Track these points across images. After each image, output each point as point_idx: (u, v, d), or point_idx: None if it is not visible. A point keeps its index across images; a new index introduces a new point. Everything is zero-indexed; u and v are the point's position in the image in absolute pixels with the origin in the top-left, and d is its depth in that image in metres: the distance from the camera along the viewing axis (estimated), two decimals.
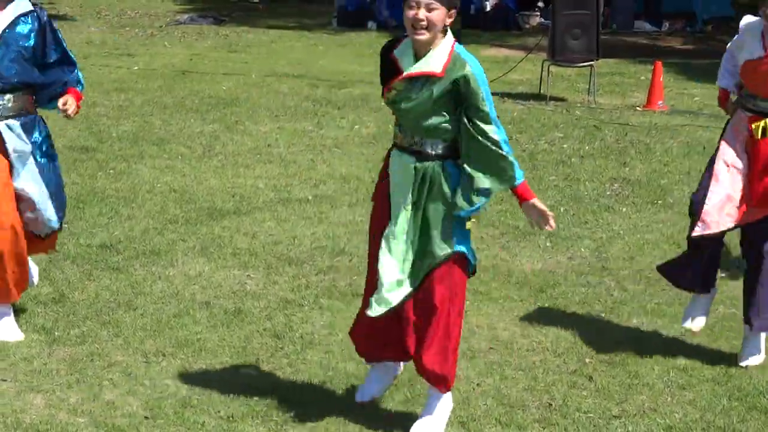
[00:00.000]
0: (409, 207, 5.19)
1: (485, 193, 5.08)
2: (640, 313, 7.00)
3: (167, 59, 17.04)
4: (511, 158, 5.07)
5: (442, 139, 5.14)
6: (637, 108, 13.75)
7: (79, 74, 6.34)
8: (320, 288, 7.28)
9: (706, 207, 6.09)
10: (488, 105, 5.03)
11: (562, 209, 9.13)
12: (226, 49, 18.58)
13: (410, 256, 5.22)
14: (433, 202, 5.16)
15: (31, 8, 6.12)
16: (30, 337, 6.34)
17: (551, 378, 6.02)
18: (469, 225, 5.20)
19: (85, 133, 11.40)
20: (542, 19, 22.35)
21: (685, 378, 6.05)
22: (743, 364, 6.18)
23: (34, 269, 6.66)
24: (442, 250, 5.16)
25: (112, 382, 5.85)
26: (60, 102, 6.16)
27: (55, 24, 6.28)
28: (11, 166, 6.09)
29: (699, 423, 5.57)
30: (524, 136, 11.79)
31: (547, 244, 8.28)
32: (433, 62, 5.05)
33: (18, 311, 6.55)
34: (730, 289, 7.21)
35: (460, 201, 5.09)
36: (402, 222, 5.20)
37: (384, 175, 5.35)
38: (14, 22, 6.03)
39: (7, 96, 6.06)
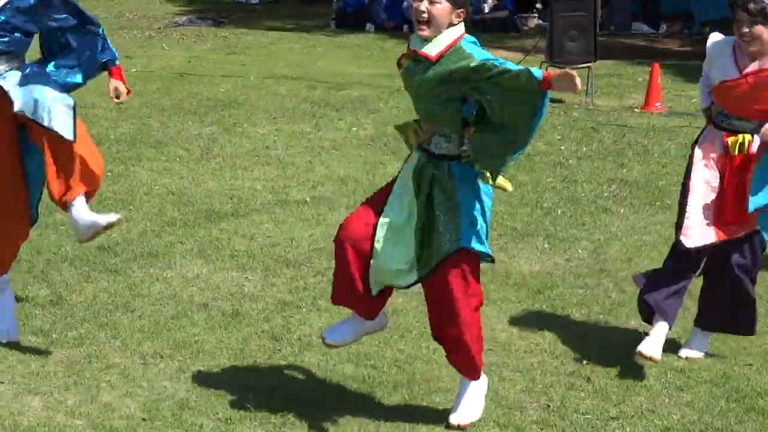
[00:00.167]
0: (410, 200, 5.21)
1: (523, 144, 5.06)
2: (638, 314, 6.99)
3: (165, 61, 17.03)
4: (520, 70, 4.89)
5: (444, 134, 5.13)
6: (635, 110, 13.75)
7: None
8: (318, 290, 7.28)
9: (686, 222, 6.07)
10: (481, 57, 4.99)
11: (559, 211, 9.13)
12: (224, 51, 18.57)
13: (414, 249, 5.23)
14: (437, 199, 5.17)
15: None
16: (27, 339, 6.34)
17: (549, 379, 6.02)
18: (506, 185, 5.21)
19: None
20: (540, 21, 22.36)
21: (683, 379, 6.05)
22: (684, 355, 6.18)
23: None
24: (446, 245, 5.16)
25: (110, 384, 5.84)
26: (111, 90, 6.25)
27: None
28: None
29: (697, 424, 5.57)
30: None
31: (545, 245, 8.28)
32: (433, 47, 5.04)
33: (16, 313, 6.54)
34: None
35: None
36: (403, 214, 5.22)
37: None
38: None
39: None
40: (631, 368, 6.16)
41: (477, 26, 21.57)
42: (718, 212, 6.04)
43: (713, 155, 6.10)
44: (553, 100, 14.15)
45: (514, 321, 6.84)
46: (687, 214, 6.07)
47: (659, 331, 6.13)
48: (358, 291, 5.32)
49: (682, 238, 6.05)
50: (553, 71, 5.05)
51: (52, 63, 6.11)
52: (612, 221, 8.96)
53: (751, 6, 5.83)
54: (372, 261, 5.25)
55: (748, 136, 5.96)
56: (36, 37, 6.12)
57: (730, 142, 5.98)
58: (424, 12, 5.00)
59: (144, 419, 5.49)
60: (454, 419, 5.43)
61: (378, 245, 5.22)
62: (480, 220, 5.22)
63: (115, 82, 6.24)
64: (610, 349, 6.44)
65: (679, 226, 6.13)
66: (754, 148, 5.95)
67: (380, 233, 5.22)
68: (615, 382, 6.00)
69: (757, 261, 6.19)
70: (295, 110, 13.17)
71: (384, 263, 5.24)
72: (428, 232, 5.20)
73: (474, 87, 4.97)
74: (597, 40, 14.45)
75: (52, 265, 7.50)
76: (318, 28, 21.84)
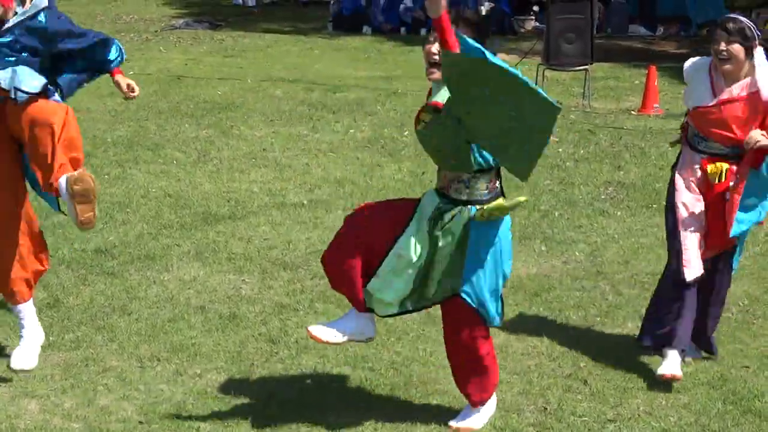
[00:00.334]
0: (421, 240, 5.19)
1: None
2: (635, 317, 6.99)
3: (162, 64, 17.03)
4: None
5: (463, 180, 5.13)
6: (632, 112, 13.75)
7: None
8: (315, 292, 7.28)
9: (685, 256, 6.05)
10: None
11: (556, 213, 9.13)
12: (221, 54, 18.57)
13: (409, 288, 5.25)
14: (446, 243, 5.17)
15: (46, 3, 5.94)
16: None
17: (546, 382, 6.02)
18: (519, 198, 5.26)
19: None
20: (537, 24, 22.37)
21: (680, 382, 6.04)
22: (669, 373, 6.12)
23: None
24: (447, 286, 5.22)
25: (107, 387, 5.84)
26: (124, 87, 6.26)
27: None
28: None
29: (694, 426, 5.57)
30: None
31: (542, 248, 8.28)
32: (440, 95, 5.01)
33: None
34: None
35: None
36: (413, 254, 5.19)
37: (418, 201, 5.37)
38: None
39: None
40: (628, 370, 6.16)
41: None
42: (705, 235, 6.05)
43: (693, 179, 6.08)
44: None
45: (511, 323, 6.83)
46: (684, 246, 6.05)
47: (674, 354, 6.13)
48: (355, 280, 5.30)
49: (684, 270, 6.03)
50: None
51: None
52: (609, 224, 8.96)
53: (730, 25, 5.86)
54: (372, 279, 5.25)
55: (725, 165, 5.96)
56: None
57: (709, 171, 5.97)
58: (435, 54, 4.94)
59: (141, 422, 5.49)
60: (455, 423, 5.46)
61: (383, 272, 5.23)
62: (486, 273, 5.22)
63: (124, 79, 6.28)
64: (607, 351, 6.44)
65: (677, 255, 6.10)
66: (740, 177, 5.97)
67: (389, 263, 5.22)
68: (612, 384, 6.00)
69: (729, 279, 6.27)
70: (292, 113, 13.17)
71: (379, 291, 5.26)
72: (428, 273, 5.22)
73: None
74: (594, 43, 14.45)
75: (49, 268, 7.49)
76: (315, 31, 21.84)
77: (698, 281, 6.05)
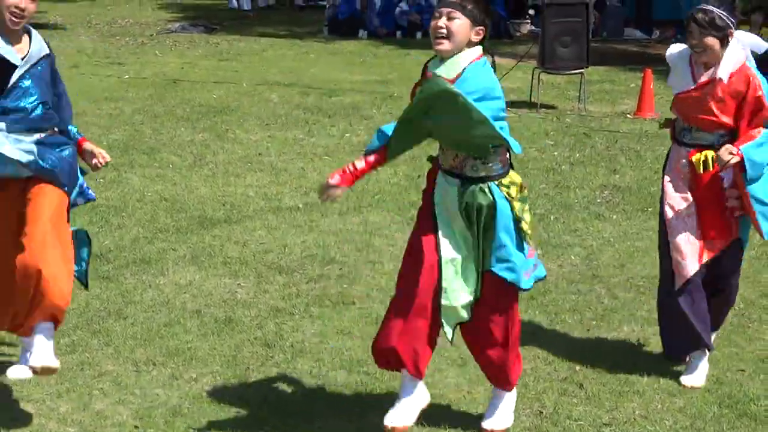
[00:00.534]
0: (459, 230, 5.16)
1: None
2: (631, 320, 7.00)
3: (158, 68, 17.03)
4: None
5: (478, 156, 5.10)
6: (627, 115, 13.77)
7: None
8: (311, 296, 7.28)
9: (673, 259, 6.06)
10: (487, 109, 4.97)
11: (552, 217, 9.14)
12: (217, 58, 18.58)
13: (475, 279, 5.21)
14: (481, 224, 5.14)
15: (48, 51, 5.66)
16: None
17: (542, 386, 6.02)
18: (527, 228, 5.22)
19: None
20: (533, 27, 22.39)
21: (676, 385, 6.05)
22: (689, 384, 6.12)
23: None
24: (490, 266, 5.17)
25: (102, 391, 5.84)
26: (94, 162, 5.77)
27: (46, 32, 6.25)
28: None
29: (689, 430, 5.57)
30: None
31: (538, 251, 8.25)
32: (449, 69, 5.01)
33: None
34: None
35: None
36: (462, 249, 5.17)
37: (427, 196, 5.30)
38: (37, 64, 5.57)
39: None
40: (624, 374, 6.16)
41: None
42: (700, 232, 6.02)
43: (681, 177, 6.07)
44: (545, 106, 14.19)
45: None
46: (673, 249, 6.05)
47: (696, 364, 6.14)
48: (420, 343, 5.21)
49: (675, 274, 6.05)
50: None
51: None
52: (604, 227, 8.97)
53: (700, 17, 5.84)
54: (442, 301, 5.18)
55: (710, 153, 5.94)
56: None
57: (694, 161, 5.95)
58: (442, 28, 4.96)
59: (136, 427, 5.48)
60: (488, 425, 5.44)
61: (446, 284, 5.15)
62: (513, 244, 5.19)
63: (90, 145, 5.85)
64: (603, 355, 6.44)
65: (668, 259, 6.11)
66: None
67: (447, 272, 5.15)
68: (607, 388, 6.00)
69: (738, 267, 6.22)
70: (288, 117, 13.18)
71: (455, 299, 5.18)
72: (475, 254, 5.19)
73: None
74: (589, 46, 14.47)
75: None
76: (310, 35, 21.85)
77: (696, 279, 6.04)
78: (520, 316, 6.98)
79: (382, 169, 10.60)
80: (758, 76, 5.93)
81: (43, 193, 5.48)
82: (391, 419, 5.21)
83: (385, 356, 5.23)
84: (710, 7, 5.84)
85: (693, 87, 5.96)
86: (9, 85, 5.44)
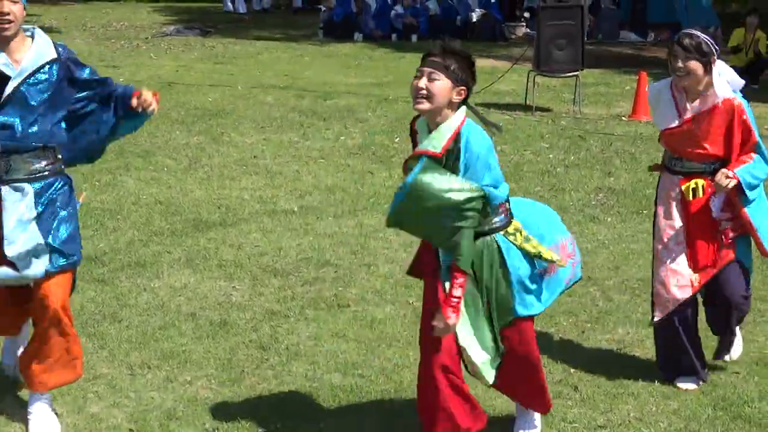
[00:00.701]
0: (470, 290, 5.06)
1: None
2: (626, 322, 7.01)
3: (153, 71, 17.03)
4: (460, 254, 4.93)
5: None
6: (622, 118, 13.80)
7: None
8: (306, 299, 7.28)
9: (655, 289, 6.09)
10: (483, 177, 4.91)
11: None
12: (212, 61, 18.59)
13: (487, 330, 5.14)
14: (494, 275, 5.08)
15: (55, 55, 5.25)
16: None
17: None
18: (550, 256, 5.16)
19: None
20: (528, 30, 22.43)
21: (670, 387, 6.05)
22: (684, 386, 6.14)
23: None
24: (509, 315, 5.11)
25: (97, 394, 5.83)
26: (134, 102, 5.52)
27: None
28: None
29: None
30: (510, 146, 11.81)
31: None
32: (437, 142, 4.89)
33: None
34: None
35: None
36: (470, 307, 5.07)
37: (430, 259, 5.15)
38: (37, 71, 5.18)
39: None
40: (619, 376, 6.16)
41: (465, 35, 21.64)
42: (692, 261, 6.03)
43: (673, 204, 6.07)
44: (541, 109, 14.21)
45: None
46: (655, 280, 6.09)
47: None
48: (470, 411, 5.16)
49: (656, 310, 6.09)
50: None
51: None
52: (599, 230, 8.98)
53: (686, 41, 5.85)
54: (468, 367, 5.14)
55: (701, 181, 5.95)
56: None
57: (684, 189, 5.98)
58: (423, 89, 4.84)
59: (131, 430, 5.47)
60: None
61: (464, 344, 5.07)
62: (529, 281, 5.16)
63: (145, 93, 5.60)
64: (598, 357, 6.44)
65: (655, 293, 6.14)
66: (716, 200, 5.94)
67: (462, 335, 5.07)
68: (602, 390, 6.00)
69: (741, 287, 6.09)
70: (283, 119, 13.18)
71: (478, 359, 5.13)
72: (489, 306, 5.12)
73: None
74: (584, 49, 14.50)
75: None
76: (306, 38, 21.87)
77: (685, 312, 6.06)
78: None
79: (377, 172, 10.65)
80: (743, 101, 5.95)
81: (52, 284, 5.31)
82: None
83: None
84: (697, 33, 5.87)
85: (678, 124, 5.98)
86: (2, 99, 5.07)
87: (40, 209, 5.23)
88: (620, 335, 6.83)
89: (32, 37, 5.23)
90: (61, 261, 5.30)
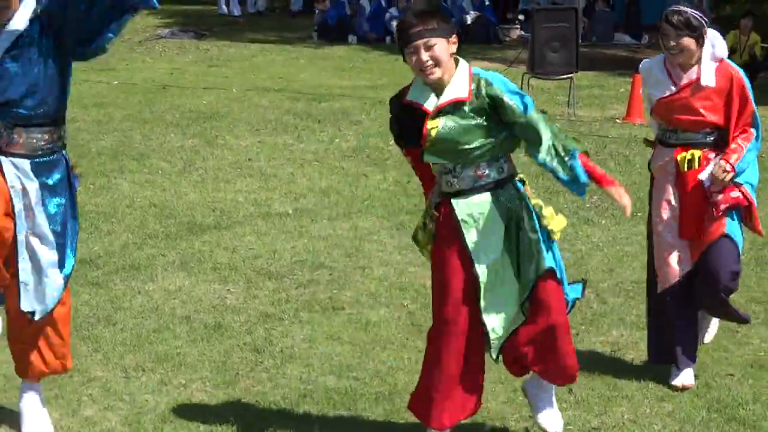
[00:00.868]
0: (500, 247, 5.03)
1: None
2: (620, 325, 7.01)
3: (147, 74, 17.03)
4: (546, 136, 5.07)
5: (495, 159, 5.05)
6: (617, 120, 13.81)
7: None
8: (300, 302, 7.28)
9: (657, 264, 6.11)
10: (513, 98, 4.99)
11: None
12: (206, 64, 18.59)
13: (511, 292, 5.06)
14: (521, 230, 5.04)
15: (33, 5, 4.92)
16: (9, 353, 6.30)
17: None
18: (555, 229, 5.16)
19: None
20: (522, 32, 22.44)
21: (664, 390, 6.06)
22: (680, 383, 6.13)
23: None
24: (537, 272, 5.02)
25: (92, 397, 5.82)
26: None
27: None
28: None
29: None
30: None
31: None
32: (458, 89, 4.93)
33: None
34: None
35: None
36: (495, 267, 5.03)
37: (444, 234, 5.09)
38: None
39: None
40: (613, 379, 6.16)
41: (459, 37, 21.65)
42: (685, 233, 6.03)
43: (669, 179, 6.06)
44: None
45: None
46: (656, 255, 6.10)
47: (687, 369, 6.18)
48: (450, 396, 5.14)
49: (658, 282, 6.10)
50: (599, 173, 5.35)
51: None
52: (593, 232, 8.98)
53: (675, 18, 5.83)
54: (484, 319, 5.04)
55: (697, 152, 5.95)
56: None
57: (679, 159, 5.96)
58: (428, 60, 4.85)
59: None
60: (553, 427, 5.35)
61: (484, 302, 5.02)
62: (545, 235, 5.13)
63: None
64: (592, 359, 6.44)
65: (651, 265, 6.16)
66: (705, 175, 5.94)
67: (483, 291, 5.02)
68: (596, 393, 6.00)
69: (731, 262, 5.99)
70: (278, 122, 13.19)
71: (497, 310, 5.05)
72: (515, 265, 5.05)
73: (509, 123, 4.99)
74: (579, 51, 14.52)
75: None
76: (300, 40, 21.87)
77: (683, 289, 6.06)
78: None
79: (371, 175, 10.65)
80: (738, 69, 5.95)
81: None
82: None
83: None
84: (684, 8, 5.83)
85: (675, 91, 5.96)
86: None
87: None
88: (614, 337, 6.83)
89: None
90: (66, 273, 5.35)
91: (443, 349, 5.07)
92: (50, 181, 5.12)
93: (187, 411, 5.67)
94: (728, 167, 5.80)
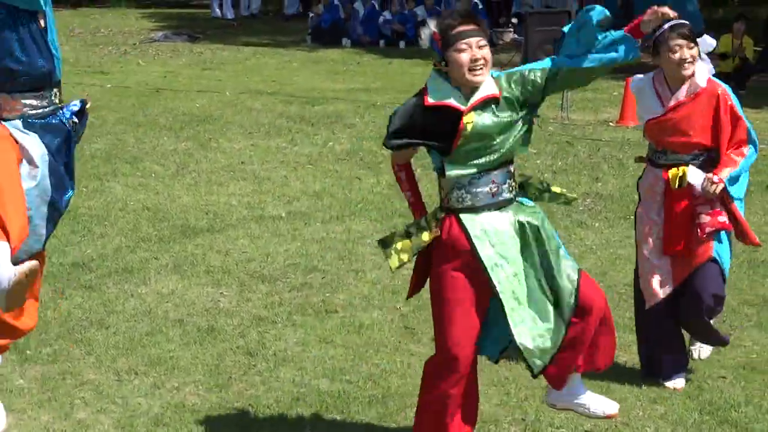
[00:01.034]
0: (520, 261, 4.96)
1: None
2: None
3: (141, 77, 17.02)
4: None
5: (509, 172, 5.07)
6: (610, 123, 13.82)
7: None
8: (293, 305, 7.28)
9: (641, 284, 6.16)
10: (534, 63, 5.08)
11: None
12: (200, 67, 18.58)
13: (543, 307, 4.96)
14: (541, 246, 5.00)
15: None
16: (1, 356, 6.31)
17: (524, 393, 6.03)
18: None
19: None
20: (516, 36, 22.44)
21: (657, 392, 6.07)
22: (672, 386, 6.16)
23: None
24: (571, 284, 4.98)
25: (84, 400, 5.82)
26: None
27: None
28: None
29: None
30: None
31: None
32: (489, 87, 4.92)
33: None
34: None
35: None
36: (518, 285, 4.93)
37: (449, 253, 4.97)
38: None
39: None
40: (605, 381, 6.16)
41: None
42: (668, 252, 6.05)
43: (656, 199, 6.08)
44: None
45: None
46: (640, 275, 6.16)
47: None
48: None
49: (645, 299, 6.15)
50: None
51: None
52: (587, 235, 8.99)
53: (686, 31, 5.83)
54: (515, 336, 4.93)
55: (687, 169, 5.95)
56: None
57: (670, 176, 5.95)
58: (481, 59, 4.82)
59: None
60: (611, 409, 5.22)
61: (511, 320, 4.90)
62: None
63: None
64: None
65: (637, 282, 6.22)
66: (696, 181, 5.92)
67: (508, 310, 4.90)
68: None
69: (715, 286, 6.04)
70: (271, 125, 13.18)
71: (530, 326, 4.94)
72: (551, 278, 4.97)
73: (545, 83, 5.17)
74: None
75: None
76: (294, 44, 21.87)
77: (668, 304, 6.08)
78: None
79: (365, 178, 10.65)
80: (724, 86, 5.96)
81: None
82: None
83: None
84: (682, 21, 5.83)
85: (663, 112, 5.98)
86: None
87: None
88: None
89: None
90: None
91: (451, 392, 4.97)
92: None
93: (179, 414, 5.67)
94: (716, 179, 5.81)
